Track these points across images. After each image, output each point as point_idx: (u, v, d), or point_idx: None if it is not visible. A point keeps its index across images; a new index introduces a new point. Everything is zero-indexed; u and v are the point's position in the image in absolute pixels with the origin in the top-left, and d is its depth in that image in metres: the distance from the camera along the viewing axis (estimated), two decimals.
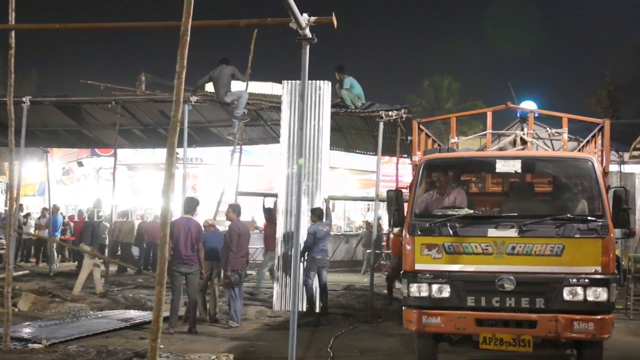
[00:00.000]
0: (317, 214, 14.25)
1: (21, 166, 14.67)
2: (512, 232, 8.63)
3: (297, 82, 14.34)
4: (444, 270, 8.85)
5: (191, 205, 13.08)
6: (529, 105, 29.42)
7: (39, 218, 26.84)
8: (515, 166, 9.25)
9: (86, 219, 18.18)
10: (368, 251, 23.89)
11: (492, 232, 8.72)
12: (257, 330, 12.84)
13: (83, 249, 16.56)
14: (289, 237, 14.47)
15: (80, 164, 32.65)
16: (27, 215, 27.60)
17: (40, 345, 9.95)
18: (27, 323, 12.06)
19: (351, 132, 19.46)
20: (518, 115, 19.08)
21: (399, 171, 18.72)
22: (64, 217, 27.15)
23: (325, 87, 14.85)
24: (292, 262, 9.60)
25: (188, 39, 5.70)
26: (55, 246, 24.40)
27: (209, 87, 18.17)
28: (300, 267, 13.69)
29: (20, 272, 20.59)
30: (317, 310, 14.25)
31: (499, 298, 8.63)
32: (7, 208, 21.70)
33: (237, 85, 17.22)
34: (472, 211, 9.26)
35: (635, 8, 80.00)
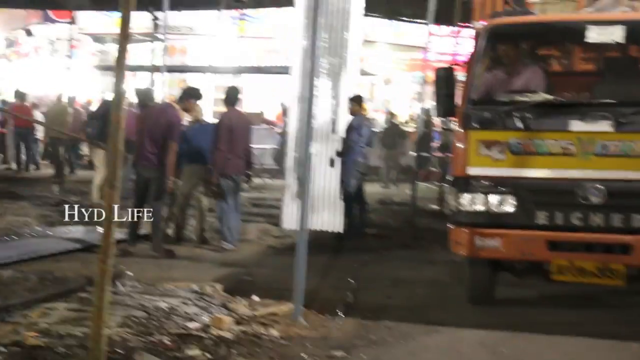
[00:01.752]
0: (358, 103, 14.10)
1: None
2: (605, 125, 8.40)
3: None
4: (508, 177, 8.73)
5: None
6: None
7: None
8: (615, 34, 8.85)
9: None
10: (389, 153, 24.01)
11: (576, 125, 8.49)
12: (259, 254, 12.98)
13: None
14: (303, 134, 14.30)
15: (28, 33, 32.26)
16: None
17: None
18: None
19: None
20: None
21: (457, 46, 18.40)
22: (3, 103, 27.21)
23: None
24: (301, 164, 9.49)
25: None
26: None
27: None
28: (332, 174, 13.62)
29: None
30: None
31: (581, 214, 8.49)
32: None
33: None
34: (551, 97, 8.95)
35: None
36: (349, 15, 14.36)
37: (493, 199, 8.69)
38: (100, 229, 13.01)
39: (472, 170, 8.84)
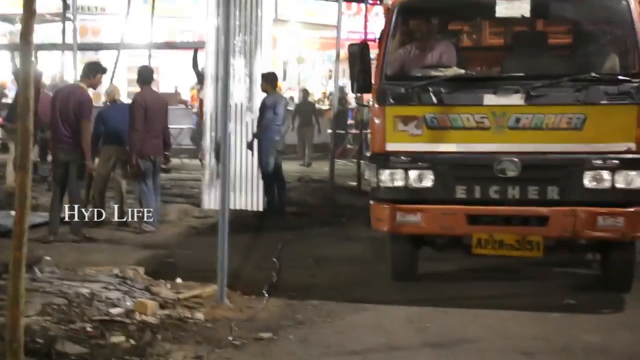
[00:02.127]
0: (270, 80, 13.67)
1: None
2: (517, 99, 8.24)
3: None
4: (426, 151, 8.52)
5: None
6: None
7: None
8: (522, 8, 8.64)
9: None
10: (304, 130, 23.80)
11: (489, 98, 8.29)
12: (180, 235, 12.61)
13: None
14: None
15: None
16: None
17: None
18: None
19: None
20: None
21: (369, 24, 18.03)
22: None
23: None
24: (221, 145, 9.05)
25: None
26: None
27: None
28: (249, 153, 13.24)
29: None
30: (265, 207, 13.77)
31: (499, 187, 8.32)
32: None
33: None
34: (463, 71, 8.81)
35: None
36: None
37: (412, 174, 8.46)
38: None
39: (390, 146, 8.59)
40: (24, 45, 5.56)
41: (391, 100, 8.54)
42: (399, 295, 8.75)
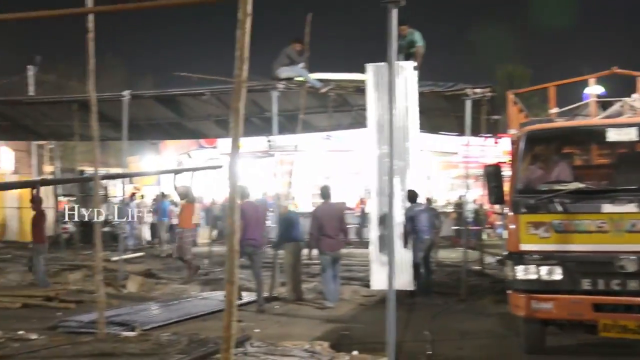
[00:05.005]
0: (410, 196, 12.58)
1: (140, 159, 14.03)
2: (632, 207, 6.90)
3: (381, 64, 12.72)
4: (554, 251, 7.19)
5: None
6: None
7: (151, 205, 26.14)
8: (630, 134, 7.39)
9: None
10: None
11: (607, 207, 7.01)
12: (353, 310, 11.31)
13: None
14: (384, 217, 12.85)
15: (189, 157, 32.09)
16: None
17: (133, 333, 8.66)
18: (127, 307, 10.83)
19: (435, 114, 17.57)
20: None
21: (481, 152, 16.85)
22: (174, 204, 26.28)
23: (409, 67, 13.12)
24: (387, 242, 7.93)
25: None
26: (164, 229, 23.64)
27: None
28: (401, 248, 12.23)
29: (135, 255, 19.62)
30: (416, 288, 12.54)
31: (620, 280, 6.92)
32: (125, 196, 21.39)
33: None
34: (582, 185, 7.47)
35: None
36: (408, 130, 13.00)
37: (543, 269, 7.22)
38: (244, 295, 11.80)
39: (524, 247, 7.37)
40: (232, 176, 4.68)
41: (524, 210, 7.39)
42: None
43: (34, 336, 8.49)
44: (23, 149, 39.28)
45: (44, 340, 8.29)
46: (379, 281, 12.09)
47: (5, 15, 7.71)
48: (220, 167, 20.64)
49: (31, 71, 31.05)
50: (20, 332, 8.66)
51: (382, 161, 12.91)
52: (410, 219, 12.34)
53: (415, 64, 13.47)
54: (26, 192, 25.44)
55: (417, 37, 14.00)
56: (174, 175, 15.17)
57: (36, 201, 13.73)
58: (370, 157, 13.36)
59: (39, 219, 13.76)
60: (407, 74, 13.10)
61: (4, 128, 19.47)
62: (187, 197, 14.12)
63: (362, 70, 13.58)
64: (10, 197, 25.65)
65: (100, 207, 9.87)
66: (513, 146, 8.39)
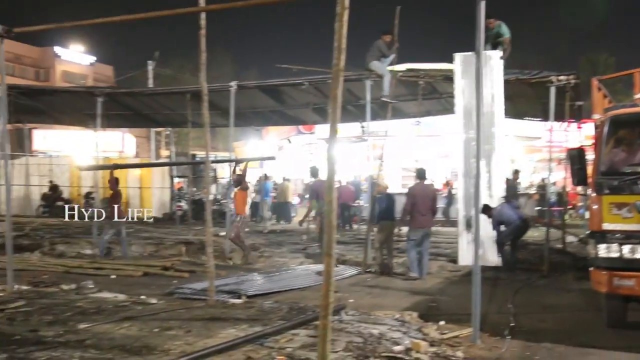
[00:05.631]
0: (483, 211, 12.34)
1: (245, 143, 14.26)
2: None
3: (469, 53, 12.49)
4: (636, 230, 6.87)
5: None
6: None
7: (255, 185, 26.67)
8: None
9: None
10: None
11: None
12: (439, 284, 11.19)
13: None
14: (468, 198, 12.67)
15: (289, 141, 32.46)
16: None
17: (239, 300, 8.92)
18: (234, 277, 11.12)
19: (520, 100, 17.07)
20: None
21: (564, 137, 16.26)
22: (275, 184, 26.72)
23: (495, 56, 12.85)
24: (474, 222, 7.82)
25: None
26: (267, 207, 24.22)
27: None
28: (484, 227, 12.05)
29: None
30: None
31: None
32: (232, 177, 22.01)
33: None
34: None
35: None
36: (494, 116, 12.75)
37: (625, 248, 6.95)
38: (340, 267, 11.94)
39: (606, 226, 7.09)
40: (330, 159, 4.73)
41: (606, 191, 7.11)
42: (616, 341, 6.95)
43: (153, 300, 8.85)
44: (143, 135, 40.98)
45: (163, 304, 8.61)
46: (466, 257, 11.98)
47: (128, 16, 8.08)
48: (273, 158, 20.90)
49: (150, 66, 32.21)
50: (142, 297, 9.05)
51: (468, 145, 12.72)
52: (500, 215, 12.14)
53: (501, 53, 13.16)
54: (147, 174, 26.65)
55: (504, 29, 13.65)
56: (234, 164, 15.29)
57: (112, 183, 14.30)
58: (457, 142, 13.22)
59: (114, 198, 14.35)
60: (494, 62, 12.87)
61: (127, 117, 20.29)
62: (240, 184, 14.18)
63: (449, 60, 13.41)
64: (132, 178, 26.72)
65: (210, 187, 10.15)
66: (597, 130, 8.04)
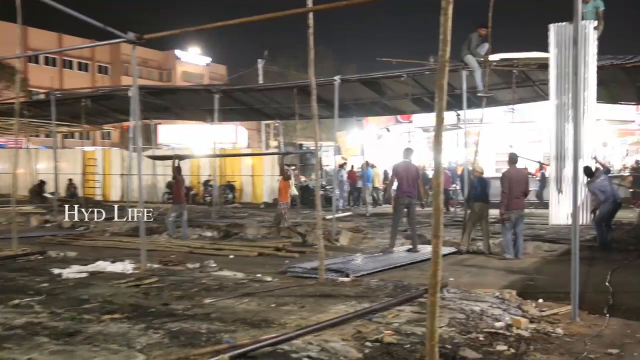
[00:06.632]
0: (586, 173, 11.83)
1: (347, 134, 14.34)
2: None
3: (562, 24, 12.18)
4: None
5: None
6: None
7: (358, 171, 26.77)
8: None
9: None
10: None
11: None
12: (535, 263, 10.83)
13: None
14: (561, 179, 12.28)
15: (387, 130, 32.33)
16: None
17: (347, 279, 9.02)
18: (341, 257, 11.24)
19: (613, 85, 16.23)
20: None
21: None
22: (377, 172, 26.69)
23: (589, 25, 12.34)
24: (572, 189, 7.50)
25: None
26: (369, 193, 24.19)
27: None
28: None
29: (345, 214, 20.28)
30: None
31: None
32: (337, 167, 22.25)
33: None
34: None
35: None
36: (587, 81, 12.36)
37: None
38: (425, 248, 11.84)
39: None
40: (437, 146, 4.70)
41: None
42: None
43: (268, 278, 9.03)
44: (254, 127, 41.99)
45: (277, 282, 8.77)
46: (555, 216, 11.77)
47: (243, 19, 8.22)
48: (310, 152, 20.81)
49: (260, 64, 32.92)
50: (259, 275, 9.24)
51: (561, 110, 12.38)
52: (600, 186, 11.74)
53: (595, 23, 12.67)
54: (258, 163, 27.31)
55: (599, 2, 13.10)
56: (282, 156, 15.83)
57: (175, 171, 14.98)
58: (550, 107, 12.94)
59: (178, 184, 14.93)
60: (588, 31, 12.45)
61: (240, 111, 20.89)
62: (284, 174, 14.68)
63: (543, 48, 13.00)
64: (245, 167, 27.46)
65: (318, 175, 10.29)
66: None
